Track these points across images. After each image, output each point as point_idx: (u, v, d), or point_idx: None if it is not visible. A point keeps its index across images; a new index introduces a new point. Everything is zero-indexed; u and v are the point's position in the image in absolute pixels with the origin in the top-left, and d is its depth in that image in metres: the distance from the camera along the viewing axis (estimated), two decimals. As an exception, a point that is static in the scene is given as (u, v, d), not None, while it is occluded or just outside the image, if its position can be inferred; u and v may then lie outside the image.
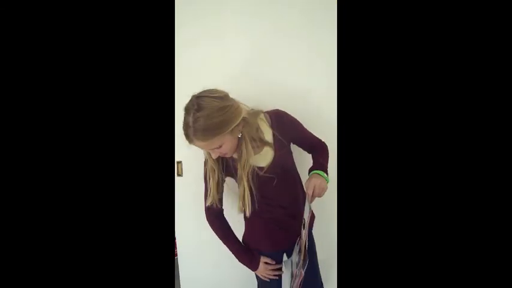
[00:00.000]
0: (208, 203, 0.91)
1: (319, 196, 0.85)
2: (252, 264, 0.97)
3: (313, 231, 1.24)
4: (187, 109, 0.77)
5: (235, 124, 0.77)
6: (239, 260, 0.98)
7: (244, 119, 0.81)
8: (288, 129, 0.91)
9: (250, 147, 0.82)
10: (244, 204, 0.88)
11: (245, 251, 0.98)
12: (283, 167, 0.93)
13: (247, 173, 0.84)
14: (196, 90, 1.10)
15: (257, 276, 1.03)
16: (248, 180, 0.85)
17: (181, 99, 1.06)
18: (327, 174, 0.90)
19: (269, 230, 0.98)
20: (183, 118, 0.77)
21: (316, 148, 0.98)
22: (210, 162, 0.88)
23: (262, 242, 1.00)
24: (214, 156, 0.82)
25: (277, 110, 0.93)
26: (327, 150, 0.98)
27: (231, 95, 0.85)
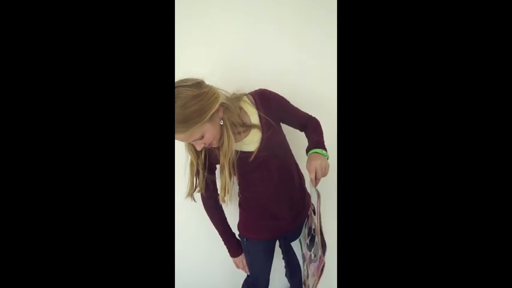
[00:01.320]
0: (185, 197, 0.91)
1: (324, 176, 0.80)
2: (230, 251, 1.05)
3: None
4: None
5: (213, 111, 0.75)
6: (224, 243, 1.04)
7: (223, 104, 0.79)
8: (274, 108, 0.87)
9: (231, 134, 0.81)
10: (225, 194, 0.87)
11: (228, 238, 1.04)
12: (275, 149, 0.89)
13: (229, 160, 0.83)
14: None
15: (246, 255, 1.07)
16: (229, 169, 0.84)
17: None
18: (325, 150, 0.86)
19: (260, 220, 0.98)
20: None
21: (308, 125, 0.94)
22: (190, 156, 0.87)
23: (252, 232, 1.01)
24: (199, 147, 0.80)
25: (261, 89, 0.89)
26: (320, 125, 0.95)
27: (225, 83, 0.82)
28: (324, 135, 1.01)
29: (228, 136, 0.80)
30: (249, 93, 0.89)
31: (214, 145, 0.82)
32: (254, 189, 0.94)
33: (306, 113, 0.95)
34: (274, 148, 0.89)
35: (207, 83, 0.80)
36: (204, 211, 1.01)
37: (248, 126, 0.85)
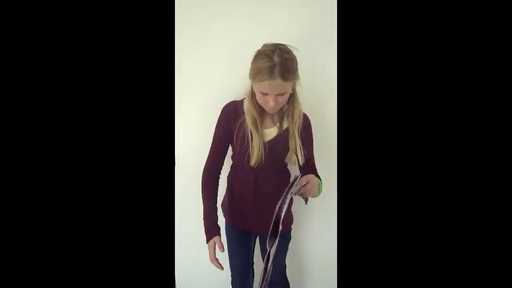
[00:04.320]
0: (253, 163, 0.91)
1: (304, 194, 0.85)
2: (206, 235, 0.93)
3: (313, 232, 1.23)
4: (270, 51, 0.81)
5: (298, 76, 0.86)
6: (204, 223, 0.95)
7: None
8: (305, 130, 0.94)
9: (299, 102, 0.91)
10: (298, 156, 0.91)
11: (210, 220, 0.94)
12: (280, 158, 0.95)
13: (297, 127, 0.90)
14: (197, 87, 1.11)
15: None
16: (298, 134, 0.91)
17: (181, 96, 1.06)
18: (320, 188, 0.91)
19: (234, 206, 1.01)
20: (259, 60, 0.81)
21: (313, 168, 0.99)
22: (252, 113, 0.89)
23: (228, 214, 1.03)
24: (273, 103, 0.84)
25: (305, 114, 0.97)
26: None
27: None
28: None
29: (298, 102, 0.91)
30: None
31: (276, 109, 0.88)
32: (245, 177, 0.97)
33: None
34: (280, 157, 0.93)
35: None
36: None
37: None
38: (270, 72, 0.79)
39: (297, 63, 0.83)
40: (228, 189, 1.04)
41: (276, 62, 0.79)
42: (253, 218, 0.98)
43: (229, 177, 1.03)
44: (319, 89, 1.10)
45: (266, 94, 0.83)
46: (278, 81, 0.79)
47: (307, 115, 0.98)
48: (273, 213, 0.90)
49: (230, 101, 0.96)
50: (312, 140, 0.98)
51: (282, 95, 0.83)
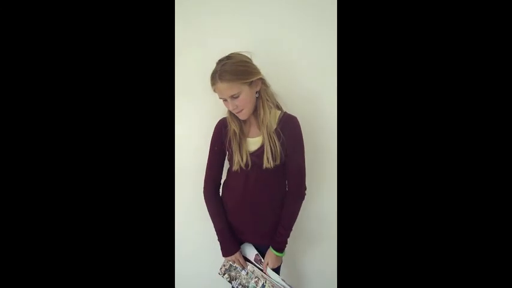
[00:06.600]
0: (235, 168, 0.95)
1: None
2: (223, 249, 1.01)
3: (314, 232, 1.22)
4: (218, 62, 0.89)
5: (255, 78, 0.89)
6: (218, 239, 1.02)
7: (262, 80, 0.92)
8: (288, 133, 0.93)
9: (266, 105, 0.93)
10: (268, 159, 0.92)
11: (225, 234, 1.01)
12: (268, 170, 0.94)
13: (266, 127, 0.92)
14: (197, 86, 1.11)
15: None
16: (268, 137, 0.92)
17: (181, 97, 1.07)
18: (283, 249, 0.97)
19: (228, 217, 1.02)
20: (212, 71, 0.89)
21: (292, 192, 0.98)
22: (232, 126, 0.95)
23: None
24: (231, 107, 0.89)
25: (295, 116, 0.96)
26: (299, 202, 0.98)
27: None
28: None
29: (264, 106, 0.92)
30: (283, 110, 0.98)
31: (243, 114, 0.91)
32: (232, 188, 0.99)
33: (303, 176, 0.97)
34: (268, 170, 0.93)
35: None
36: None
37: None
38: (214, 79, 0.87)
39: (242, 66, 0.87)
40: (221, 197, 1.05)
41: (218, 68, 0.87)
42: (243, 226, 0.99)
43: (223, 185, 1.04)
44: (319, 89, 1.10)
45: (225, 100, 0.89)
46: (221, 84, 0.86)
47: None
48: (265, 224, 0.95)
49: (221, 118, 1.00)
50: (296, 143, 0.95)
51: (236, 97, 0.87)
